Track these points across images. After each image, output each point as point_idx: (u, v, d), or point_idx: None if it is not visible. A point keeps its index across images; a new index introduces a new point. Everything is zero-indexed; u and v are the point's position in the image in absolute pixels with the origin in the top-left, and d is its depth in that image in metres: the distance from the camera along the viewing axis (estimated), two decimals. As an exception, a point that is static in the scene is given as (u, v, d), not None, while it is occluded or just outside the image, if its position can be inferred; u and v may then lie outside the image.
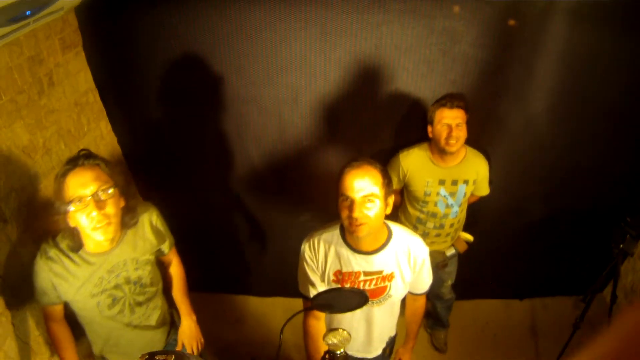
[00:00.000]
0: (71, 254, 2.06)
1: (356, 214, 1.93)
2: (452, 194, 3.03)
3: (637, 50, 2.77)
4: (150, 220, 2.34)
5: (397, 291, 2.23)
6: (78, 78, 2.84)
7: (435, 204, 3.06)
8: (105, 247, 2.12)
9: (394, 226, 2.20)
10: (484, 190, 3.15)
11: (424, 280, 2.33)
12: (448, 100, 2.82)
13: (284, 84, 3.03)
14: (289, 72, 2.98)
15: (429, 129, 2.92)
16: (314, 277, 2.23)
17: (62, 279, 2.07)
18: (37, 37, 2.40)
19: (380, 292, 2.21)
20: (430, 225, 3.15)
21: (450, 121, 2.79)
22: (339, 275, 2.17)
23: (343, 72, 2.98)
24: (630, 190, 3.40)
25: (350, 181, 1.95)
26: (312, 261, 2.21)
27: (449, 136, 2.80)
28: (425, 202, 3.06)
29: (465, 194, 3.05)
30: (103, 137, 3.14)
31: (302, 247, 2.24)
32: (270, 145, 3.31)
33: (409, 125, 3.15)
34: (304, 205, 3.66)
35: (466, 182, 3.01)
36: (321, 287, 2.21)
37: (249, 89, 3.05)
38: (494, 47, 2.81)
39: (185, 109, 3.17)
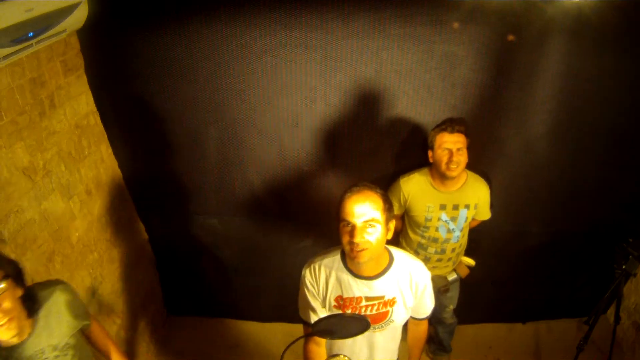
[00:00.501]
0: None
1: (357, 239, 1.91)
2: (454, 219, 3.01)
3: (636, 70, 2.79)
4: (66, 302, 2.04)
5: (399, 316, 2.21)
6: (79, 100, 2.85)
7: (437, 229, 3.04)
8: (16, 340, 1.86)
9: (395, 251, 2.18)
10: (485, 214, 3.13)
11: (426, 305, 2.30)
12: (449, 124, 2.81)
13: (284, 109, 3.04)
14: (289, 96, 2.99)
15: (430, 153, 2.91)
16: (315, 303, 2.20)
17: None
18: (39, 58, 2.42)
19: (382, 318, 2.18)
20: (431, 250, 3.12)
21: (451, 146, 2.79)
22: (340, 300, 2.15)
23: (343, 97, 2.99)
24: (632, 211, 3.40)
25: (351, 206, 1.93)
26: (313, 287, 2.19)
27: (449, 161, 2.79)
28: (427, 227, 3.04)
29: (466, 219, 3.03)
30: (103, 160, 3.14)
31: (303, 272, 2.22)
32: (270, 169, 3.31)
33: (410, 149, 3.15)
34: (305, 231, 3.65)
35: (467, 206, 2.99)
36: (322, 313, 2.19)
37: (250, 113, 3.06)
38: (493, 70, 2.83)
39: (186, 132, 3.17)
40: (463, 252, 3.30)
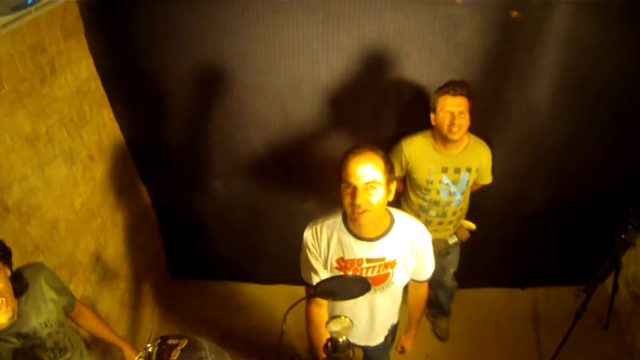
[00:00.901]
0: None
1: (359, 200, 1.92)
2: (455, 182, 3.01)
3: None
4: (45, 279, 2.06)
5: (399, 278, 2.23)
6: (80, 66, 2.82)
7: (438, 192, 3.04)
8: (6, 323, 1.83)
9: (397, 213, 2.19)
10: (487, 178, 3.14)
11: (427, 267, 2.33)
12: (451, 87, 2.77)
13: (286, 70, 3.01)
14: (291, 58, 2.96)
15: (432, 116, 2.89)
16: (317, 265, 2.23)
17: None
18: (38, 25, 2.39)
19: (382, 279, 2.21)
20: (432, 213, 3.13)
21: (453, 109, 2.76)
22: (342, 262, 2.17)
23: (346, 58, 2.96)
24: (633, 181, 3.40)
25: (352, 168, 1.93)
26: (315, 248, 2.21)
27: (451, 124, 2.77)
28: (428, 189, 3.05)
29: (467, 182, 3.03)
30: (105, 125, 3.14)
31: (305, 234, 2.24)
32: (273, 132, 3.31)
33: (412, 112, 3.13)
34: (307, 193, 3.66)
35: (469, 170, 2.99)
36: (324, 275, 2.22)
37: (252, 75, 3.03)
38: (497, 34, 2.80)
39: (188, 96, 3.16)
40: (464, 216, 3.31)
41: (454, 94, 2.75)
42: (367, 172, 1.92)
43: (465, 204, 3.22)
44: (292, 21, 2.82)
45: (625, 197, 3.23)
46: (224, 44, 2.91)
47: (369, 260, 2.15)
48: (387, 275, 2.20)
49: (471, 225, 3.33)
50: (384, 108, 3.18)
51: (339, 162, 2.00)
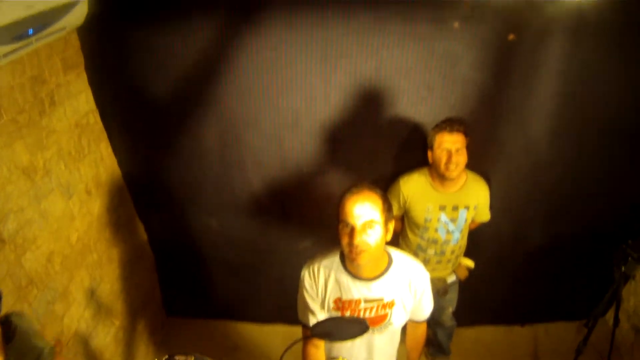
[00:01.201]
0: None
1: (356, 240, 1.90)
2: (453, 220, 2.99)
3: (636, 71, 2.79)
4: (28, 327, 1.97)
5: (398, 319, 2.20)
6: (79, 99, 2.83)
7: (436, 230, 3.01)
8: None
9: (395, 252, 2.17)
10: (485, 216, 3.13)
11: (425, 308, 2.30)
12: (447, 124, 2.77)
13: (284, 107, 3.03)
14: (289, 95, 2.98)
15: (429, 153, 2.89)
16: (314, 305, 2.19)
17: None
18: (39, 56, 2.41)
19: (380, 320, 2.17)
20: (431, 251, 3.10)
21: (449, 146, 2.75)
22: (339, 302, 2.14)
23: (343, 96, 2.98)
24: (631, 213, 3.40)
25: (350, 207, 1.92)
26: (312, 288, 2.18)
27: (448, 161, 2.76)
28: (426, 228, 3.02)
29: (466, 220, 3.01)
30: (103, 159, 3.13)
31: (302, 273, 2.21)
32: (270, 169, 3.30)
33: (410, 149, 3.14)
34: (305, 232, 3.63)
35: (467, 207, 2.97)
36: (321, 315, 2.18)
37: (250, 112, 3.05)
38: (493, 69, 2.83)
39: (186, 131, 3.16)
40: (462, 254, 3.29)
41: (451, 131, 2.75)
42: (364, 211, 1.91)
43: (463, 243, 3.20)
44: (290, 59, 2.84)
45: (623, 230, 3.22)
46: (222, 80, 2.93)
47: (366, 301, 2.12)
48: (385, 316, 2.17)
49: (470, 264, 3.30)
50: (381, 145, 3.19)
51: (337, 202, 1.99)
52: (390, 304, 2.14)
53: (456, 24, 2.70)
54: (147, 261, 3.88)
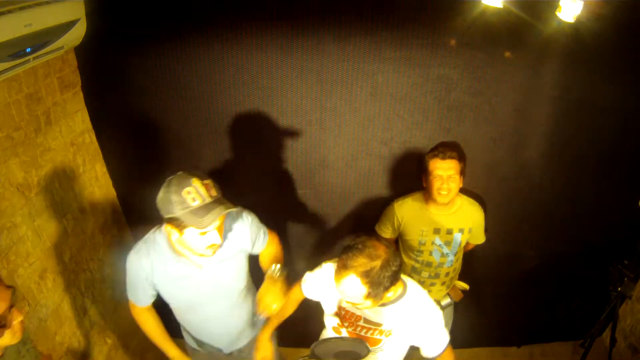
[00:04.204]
0: None
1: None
2: (448, 243, 2.98)
3: (630, 94, 2.82)
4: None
5: (390, 349, 2.19)
6: (75, 118, 2.85)
7: (430, 253, 3.00)
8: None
9: (412, 284, 2.14)
10: (480, 238, 3.12)
11: (436, 345, 2.18)
12: (440, 151, 2.79)
13: (279, 131, 3.04)
14: (284, 119, 3.00)
15: (423, 178, 2.90)
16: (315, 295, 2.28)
17: None
18: (36, 74, 2.43)
19: (372, 343, 2.16)
20: (425, 274, 3.08)
21: (442, 172, 2.76)
22: (342, 310, 2.15)
23: (338, 120, 3.00)
24: (627, 233, 3.37)
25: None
26: (314, 291, 2.25)
27: (441, 187, 2.78)
28: (420, 251, 3.01)
29: (460, 243, 3.00)
30: (98, 179, 3.14)
31: (306, 276, 2.28)
32: (266, 192, 3.30)
33: (404, 173, 3.15)
34: (300, 254, 3.61)
35: (461, 230, 2.96)
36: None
37: (245, 134, 3.06)
38: (488, 93, 2.85)
39: (181, 154, 3.17)
40: (457, 276, 3.27)
41: (444, 158, 2.77)
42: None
43: (458, 265, 3.18)
44: (285, 83, 2.87)
45: (618, 250, 3.22)
46: (219, 103, 2.95)
47: (366, 321, 2.12)
48: (378, 341, 2.17)
49: (464, 286, 3.28)
50: (375, 169, 3.19)
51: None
52: (388, 333, 2.13)
53: (451, 48, 2.73)
54: (141, 282, 3.84)
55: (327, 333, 2.32)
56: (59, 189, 2.73)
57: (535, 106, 2.88)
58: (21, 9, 1.85)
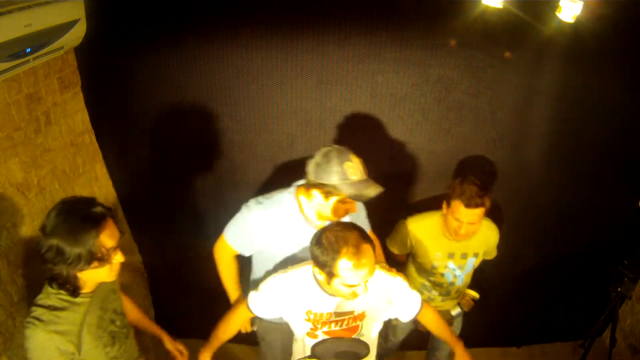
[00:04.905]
0: (65, 305, 1.87)
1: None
2: (461, 267, 2.89)
3: (630, 94, 2.83)
4: None
5: (369, 328, 2.23)
6: (75, 118, 2.85)
7: (442, 275, 2.91)
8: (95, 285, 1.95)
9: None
10: (492, 255, 3.04)
11: (410, 309, 2.31)
12: (466, 197, 2.52)
13: (279, 132, 3.05)
14: (284, 119, 3.01)
15: (444, 204, 2.69)
16: (264, 306, 2.26)
17: (70, 335, 1.84)
18: (36, 75, 2.43)
19: (353, 331, 2.20)
20: (435, 292, 3.02)
21: (463, 219, 2.57)
22: (310, 314, 2.15)
23: (338, 121, 3.00)
24: (627, 233, 3.39)
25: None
26: (275, 297, 2.21)
27: (458, 230, 2.62)
28: (432, 273, 2.91)
29: (473, 266, 2.93)
30: (98, 179, 3.13)
31: (268, 281, 2.23)
32: (266, 192, 3.28)
33: (404, 176, 3.15)
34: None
35: (476, 255, 2.88)
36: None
37: (245, 135, 3.07)
38: (488, 94, 2.86)
39: (181, 154, 3.18)
40: (467, 287, 3.20)
41: (469, 206, 2.53)
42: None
43: (468, 279, 3.10)
44: (285, 84, 2.87)
45: (618, 250, 3.22)
46: (219, 104, 2.96)
47: (337, 314, 2.15)
48: (356, 327, 2.20)
49: (475, 295, 3.18)
50: (375, 169, 3.18)
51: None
52: (361, 316, 2.17)
53: (451, 49, 2.73)
54: (141, 282, 3.85)
55: (302, 342, 2.29)
56: (59, 190, 2.72)
57: (535, 106, 2.88)
58: (21, 9, 1.85)
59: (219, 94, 2.92)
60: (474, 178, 2.58)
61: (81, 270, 1.77)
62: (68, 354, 1.84)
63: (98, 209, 1.79)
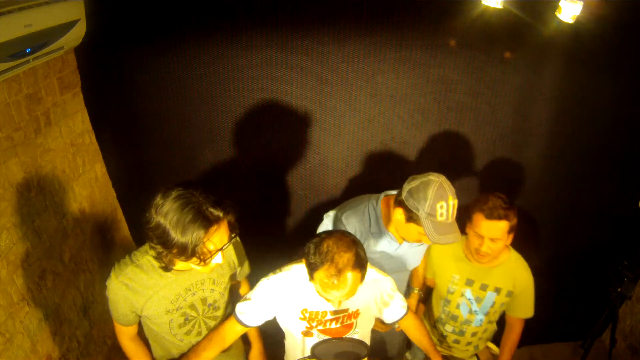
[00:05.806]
0: (149, 269, 1.99)
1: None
2: (478, 300, 2.64)
3: (630, 94, 2.82)
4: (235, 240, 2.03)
5: (363, 326, 2.25)
6: (75, 119, 2.85)
7: (458, 306, 2.70)
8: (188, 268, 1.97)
9: None
10: (524, 311, 2.72)
11: (395, 311, 2.31)
12: (487, 208, 2.32)
13: (279, 132, 3.05)
14: (284, 120, 3.00)
15: (468, 224, 2.47)
16: (257, 309, 2.21)
17: (138, 294, 1.98)
18: (36, 75, 2.43)
19: (347, 329, 2.21)
20: (448, 328, 2.81)
21: (484, 233, 2.34)
22: (306, 313, 2.15)
23: (338, 121, 3.00)
24: (627, 233, 3.38)
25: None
26: (269, 296, 2.19)
27: (479, 248, 2.40)
28: (448, 300, 2.72)
29: (493, 304, 2.65)
30: (97, 179, 3.14)
31: (263, 281, 2.21)
32: (266, 192, 3.30)
33: (404, 174, 3.14)
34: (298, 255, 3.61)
35: (497, 290, 2.60)
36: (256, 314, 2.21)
37: (245, 135, 3.07)
38: (487, 94, 2.86)
39: (181, 153, 3.17)
40: (490, 338, 3.00)
41: (490, 217, 2.31)
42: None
43: (490, 328, 2.87)
44: (285, 84, 2.88)
45: (618, 250, 3.22)
46: (218, 103, 2.96)
47: (332, 312, 2.15)
48: (351, 325, 2.21)
49: (497, 350, 2.96)
50: (375, 170, 3.19)
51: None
52: (355, 314, 2.18)
53: (451, 49, 2.73)
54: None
55: (298, 341, 2.29)
56: (59, 190, 2.72)
57: (535, 106, 2.88)
58: (21, 9, 1.85)
59: (219, 93, 2.92)
60: (500, 193, 2.41)
61: (177, 258, 1.82)
62: (134, 307, 2.01)
63: (216, 211, 1.79)
